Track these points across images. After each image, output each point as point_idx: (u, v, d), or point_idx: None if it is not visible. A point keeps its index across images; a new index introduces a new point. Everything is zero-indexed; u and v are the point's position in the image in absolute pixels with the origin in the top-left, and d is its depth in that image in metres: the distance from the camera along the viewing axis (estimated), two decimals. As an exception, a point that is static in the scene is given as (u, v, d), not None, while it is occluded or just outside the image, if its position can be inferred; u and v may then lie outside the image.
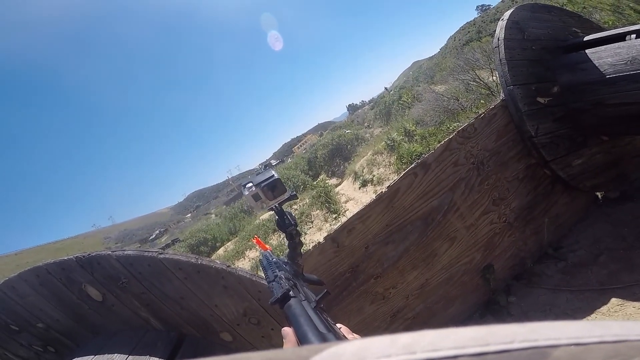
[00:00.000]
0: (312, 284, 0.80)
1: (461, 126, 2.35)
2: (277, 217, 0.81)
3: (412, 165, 2.13)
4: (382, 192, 2.07)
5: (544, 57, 2.53)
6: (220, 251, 10.51)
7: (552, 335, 0.17)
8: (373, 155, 9.39)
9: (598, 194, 2.87)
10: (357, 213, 2.01)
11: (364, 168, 9.38)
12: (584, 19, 3.08)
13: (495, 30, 2.54)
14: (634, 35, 2.28)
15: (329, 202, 8.87)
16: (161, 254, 1.39)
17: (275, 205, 0.80)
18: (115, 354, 1.37)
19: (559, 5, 3.56)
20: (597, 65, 2.35)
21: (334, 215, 8.36)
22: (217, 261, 1.47)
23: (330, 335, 0.44)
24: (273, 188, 0.78)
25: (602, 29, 2.97)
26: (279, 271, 0.72)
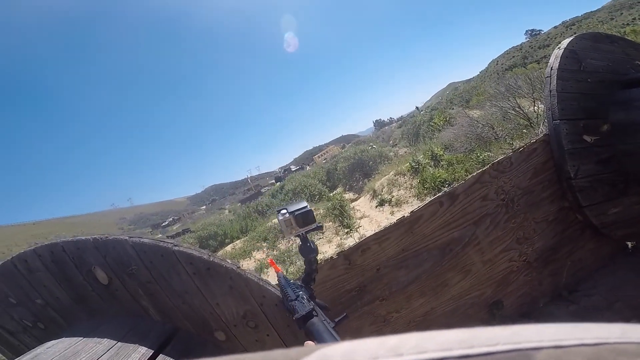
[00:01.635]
0: (320, 309, 0.83)
1: (493, 157, 2.21)
2: (300, 243, 0.90)
3: (440, 194, 2.04)
4: (404, 216, 2.04)
5: (599, 91, 2.32)
6: (228, 248, 10.55)
7: (534, 338, 0.18)
8: (395, 176, 9.19)
9: (629, 243, 2.65)
10: (375, 234, 1.98)
11: (384, 187, 9.19)
12: None
13: (549, 58, 2.38)
14: None
15: (342, 216, 8.73)
16: (176, 245, 1.39)
17: (302, 233, 0.88)
18: (105, 339, 1.34)
19: (621, 35, 3.28)
20: None
21: (346, 230, 8.20)
22: (229, 261, 1.47)
23: None
24: (304, 218, 0.87)
25: None
26: (299, 291, 0.79)
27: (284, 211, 0.90)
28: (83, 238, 1.43)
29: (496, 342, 0.18)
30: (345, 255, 1.89)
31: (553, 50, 2.44)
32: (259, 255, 8.87)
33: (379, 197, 8.95)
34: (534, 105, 8.01)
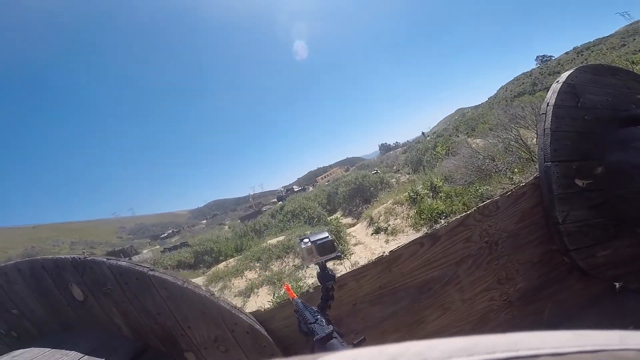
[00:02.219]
0: None
1: (491, 192, 2.14)
2: (319, 270, 0.93)
3: (421, 235, 1.99)
4: (382, 255, 2.00)
5: (596, 129, 2.18)
6: (221, 265, 10.37)
7: (533, 346, 0.18)
8: (393, 205, 9.10)
9: (616, 283, 2.51)
10: (353, 271, 1.96)
11: (381, 215, 9.07)
12: None
13: (547, 95, 2.24)
14: None
15: (338, 241, 8.56)
16: (151, 270, 1.48)
17: (321, 261, 0.92)
18: (73, 351, 1.39)
19: (625, 67, 3.09)
20: None
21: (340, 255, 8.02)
22: (203, 288, 1.55)
23: None
24: (325, 247, 0.91)
25: None
26: (318, 315, 0.82)
27: (306, 240, 0.93)
28: (62, 257, 1.55)
29: (495, 350, 0.18)
30: (323, 290, 1.88)
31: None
32: (250, 274, 8.69)
33: (376, 224, 8.82)
34: (537, 138, 7.78)
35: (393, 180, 17.32)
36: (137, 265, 1.48)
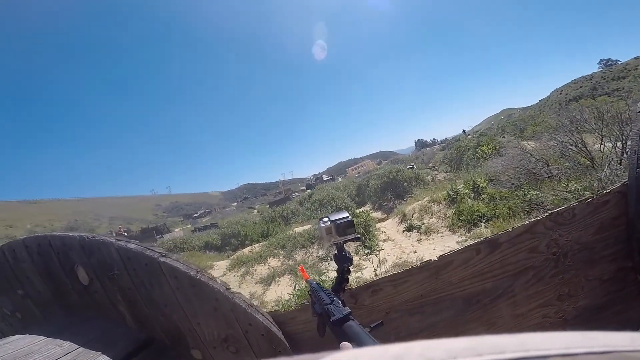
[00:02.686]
0: None
1: (542, 198, 1.85)
2: (336, 252, 0.92)
3: (478, 240, 1.74)
4: (430, 260, 1.78)
5: None
6: (246, 250, 10.54)
7: (542, 346, 0.18)
8: (429, 202, 8.64)
9: None
10: (392, 275, 1.74)
11: (415, 212, 8.66)
12: None
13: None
14: None
15: (366, 235, 8.34)
16: (163, 256, 1.36)
17: (340, 242, 0.90)
18: (68, 342, 1.32)
19: None
20: None
21: (366, 251, 7.80)
22: (218, 280, 1.43)
23: None
24: (345, 227, 0.89)
25: None
26: (334, 297, 0.81)
27: (325, 219, 0.91)
28: (70, 234, 1.46)
29: (503, 350, 0.18)
30: (352, 294, 1.70)
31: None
32: (273, 262, 8.74)
33: (408, 221, 8.44)
34: (601, 144, 6.98)
35: (429, 177, 16.57)
36: (148, 249, 1.36)
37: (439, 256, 1.74)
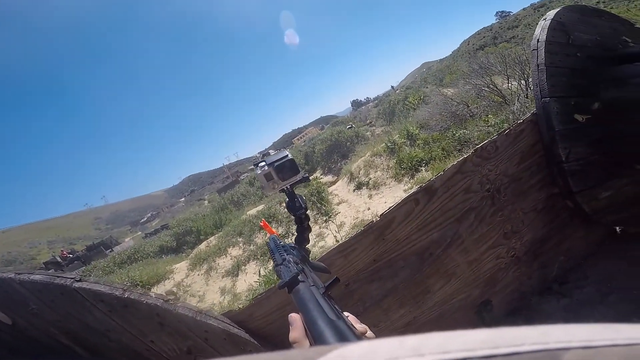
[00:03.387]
0: (318, 272, 0.75)
1: (469, 135, 1.92)
2: (287, 199, 0.81)
3: (414, 190, 1.73)
4: (372, 221, 1.73)
5: (589, 67, 2.13)
6: (203, 245, 10.04)
7: (563, 338, 0.17)
8: (371, 157, 8.92)
9: (617, 227, 2.50)
10: (339, 246, 1.68)
11: (361, 169, 8.91)
12: (636, 27, 2.63)
13: (518, 39, 2.11)
14: None
15: (321, 202, 8.41)
16: (78, 280, 1.23)
17: (286, 187, 0.79)
18: None
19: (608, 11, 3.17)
20: None
21: (325, 218, 7.92)
22: (152, 294, 1.33)
23: (340, 323, 0.41)
24: (286, 168, 0.77)
25: None
26: (287, 255, 0.70)
27: (262, 163, 0.79)
28: None
29: (522, 342, 0.17)
30: (306, 274, 1.60)
31: (521, 30, 2.16)
32: (234, 251, 8.46)
33: (356, 180, 8.67)
34: (508, 83, 7.99)
35: (368, 133, 17.13)
36: (58, 276, 1.24)
37: (380, 215, 1.70)
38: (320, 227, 7.63)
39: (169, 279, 8.33)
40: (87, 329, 1.30)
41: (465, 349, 0.17)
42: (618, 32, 2.38)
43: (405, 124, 10.00)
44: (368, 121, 26.49)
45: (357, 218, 7.23)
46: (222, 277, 7.58)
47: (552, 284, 2.25)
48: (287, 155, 0.79)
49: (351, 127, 19.40)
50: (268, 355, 0.20)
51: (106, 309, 1.25)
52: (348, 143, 15.27)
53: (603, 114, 2.07)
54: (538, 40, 2.00)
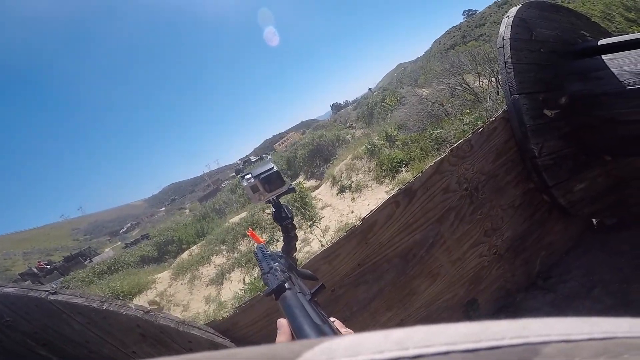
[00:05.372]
0: (305, 279, 0.77)
1: (446, 134, 1.95)
2: (273, 210, 0.84)
3: (394, 193, 1.73)
4: (354, 226, 1.73)
5: (554, 61, 2.20)
6: (185, 255, 9.80)
7: (542, 332, 0.18)
8: (352, 160, 8.97)
9: (594, 220, 2.59)
10: (323, 252, 1.67)
11: (343, 173, 8.94)
12: (592, 21, 2.75)
13: (485, 36, 2.15)
14: None
15: (304, 208, 8.36)
16: (53, 293, 1.22)
17: (272, 198, 0.82)
18: None
19: (565, 6, 3.32)
20: (616, 73, 1.98)
21: (309, 222, 7.86)
22: (132, 305, 1.33)
23: (326, 327, 0.44)
24: (271, 181, 0.80)
25: (610, 34, 2.65)
26: (274, 263, 0.72)
27: (248, 176, 0.82)
28: None
29: (503, 336, 0.18)
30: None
31: (488, 28, 2.22)
32: (218, 260, 8.28)
33: (339, 183, 8.69)
34: (479, 80, 8.23)
35: (349, 136, 17.27)
36: (32, 289, 1.22)
37: (362, 219, 1.70)
38: (305, 232, 7.58)
39: (151, 288, 8.24)
40: (66, 341, 1.28)
41: (448, 343, 0.17)
42: (576, 26, 2.47)
43: (384, 125, 10.15)
44: (348, 124, 26.71)
45: (341, 221, 7.25)
46: (207, 285, 7.50)
47: (536, 280, 2.29)
48: (272, 168, 0.81)
49: (330, 133, 19.48)
50: (254, 349, 0.20)
51: (84, 320, 1.23)
52: (329, 147, 15.33)
53: (570, 108, 2.15)
54: (503, 37, 2.05)
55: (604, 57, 2.07)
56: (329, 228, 7.30)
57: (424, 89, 11.87)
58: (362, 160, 8.69)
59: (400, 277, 1.83)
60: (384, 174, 7.53)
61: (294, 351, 0.19)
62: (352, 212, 7.35)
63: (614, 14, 5.22)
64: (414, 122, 8.95)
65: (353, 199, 7.84)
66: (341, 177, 8.91)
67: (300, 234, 7.70)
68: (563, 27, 2.38)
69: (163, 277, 8.66)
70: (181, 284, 8.00)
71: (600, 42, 2.18)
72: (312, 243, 6.97)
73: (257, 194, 0.80)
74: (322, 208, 8.52)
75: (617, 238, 2.39)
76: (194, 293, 7.46)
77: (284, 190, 0.82)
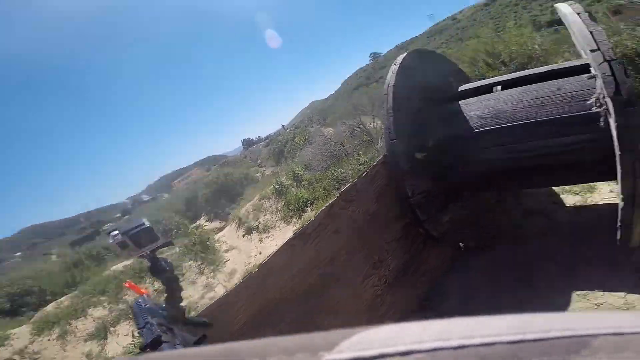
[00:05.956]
0: (197, 327, 0.80)
1: (345, 173, 2.10)
2: (149, 264, 0.82)
3: (290, 237, 1.73)
4: (251, 272, 1.63)
5: (426, 107, 2.49)
6: (50, 307, 7.81)
7: (591, 325, 0.17)
8: (260, 200, 8.82)
9: (460, 244, 3.07)
10: (218, 301, 1.57)
11: (250, 213, 8.66)
12: (458, 68, 3.21)
13: (387, 75, 2.40)
14: (499, 87, 2.36)
15: (206, 252, 7.62)
16: None
17: (146, 253, 0.79)
18: None
19: (441, 53, 3.77)
20: (467, 118, 2.35)
21: (212, 267, 7.17)
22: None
23: None
24: (142, 237, 0.77)
25: (468, 80, 3.08)
26: (150, 317, 0.71)
27: (115, 232, 0.80)
28: None
29: (550, 328, 0.17)
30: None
31: (388, 70, 2.49)
32: (97, 312, 6.88)
33: (245, 224, 8.33)
34: (374, 122, 9.25)
35: (258, 174, 17.11)
36: None
37: (259, 265, 1.64)
38: (207, 278, 6.90)
39: (4, 345, 6.34)
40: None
41: (491, 334, 0.17)
42: (445, 74, 2.81)
43: (292, 165, 10.44)
44: (259, 161, 26.59)
45: (249, 263, 6.91)
46: (85, 340, 6.37)
47: (424, 301, 2.53)
48: (143, 224, 0.79)
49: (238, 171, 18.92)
50: (292, 338, 0.20)
51: None
52: (237, 186, 14.78)
53: (436, 150, 2.49)
54: (388, 85, 2.25)
55: (460, 102, 2.43)
56: (235, 271, 6.82)
57: (329, 128, 12.71)
58: (270, 200, 8.62)
59: (303, 316, 1.80)
60: (291, 213, 7.58)
61: (331, 341, 0.19)
62: (260, 253, 7.07)
63: (478, 59, 6.17)
64: (319, 161, 9.42)
65: (261, 240, 7.58)
66: (248, 217, 8.58)
67: (202, 279, 7.00)
68: (437, 74, 2.68)
69: (22, 333, 6.94)
70: (49, 339, 6.61)
71: (460, 89, 2.60)
72: (216, 288, 6.48)
73: (127, 250, 0.80)
74: (227, 251, 7.95)
75: (480, 258, 2.84)
76: (69, 349, 6.39)
77: (160, 245, 0.80)
